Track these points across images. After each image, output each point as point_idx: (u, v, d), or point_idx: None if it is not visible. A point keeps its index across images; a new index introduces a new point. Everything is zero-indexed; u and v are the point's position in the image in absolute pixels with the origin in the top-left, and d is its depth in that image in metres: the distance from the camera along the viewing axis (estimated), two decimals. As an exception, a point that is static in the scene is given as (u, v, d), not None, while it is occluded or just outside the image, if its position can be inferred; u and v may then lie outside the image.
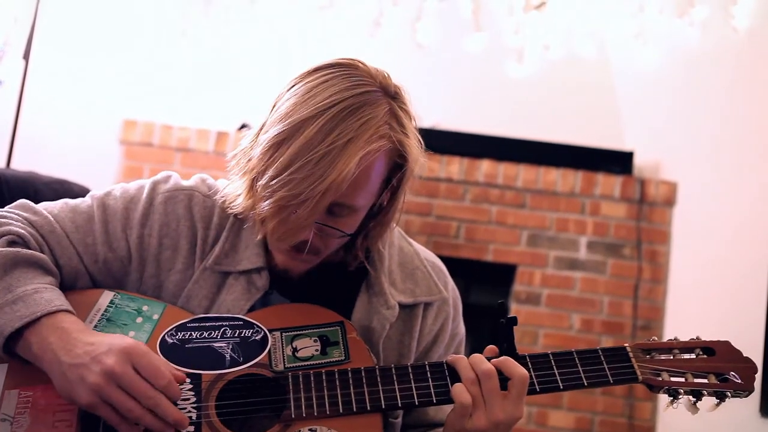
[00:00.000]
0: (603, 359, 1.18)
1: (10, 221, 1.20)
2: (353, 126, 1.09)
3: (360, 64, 1.17)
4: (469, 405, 1.11)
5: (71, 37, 3.65)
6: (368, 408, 1.13)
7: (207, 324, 1.19)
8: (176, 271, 1.24)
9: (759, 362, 2.30)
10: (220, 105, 3.68)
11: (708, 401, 1.17)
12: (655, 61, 3.53)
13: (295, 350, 1.18)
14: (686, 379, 1.17)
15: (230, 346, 1.17)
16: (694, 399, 1.17)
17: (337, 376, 1.15)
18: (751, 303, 2.53)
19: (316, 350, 1.19)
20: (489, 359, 1.14)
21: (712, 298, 2.90)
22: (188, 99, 3.70)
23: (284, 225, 1.12)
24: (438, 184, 3.45)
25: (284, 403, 1.13)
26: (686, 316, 3.20)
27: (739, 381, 1.16)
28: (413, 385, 1.16)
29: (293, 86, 1.15)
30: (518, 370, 1.12)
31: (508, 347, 1.17)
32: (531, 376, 1.15)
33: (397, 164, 1.18)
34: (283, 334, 1.20)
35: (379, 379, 1.15)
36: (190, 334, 1.18)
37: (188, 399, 1.11)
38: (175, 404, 1.07)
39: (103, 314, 1.18)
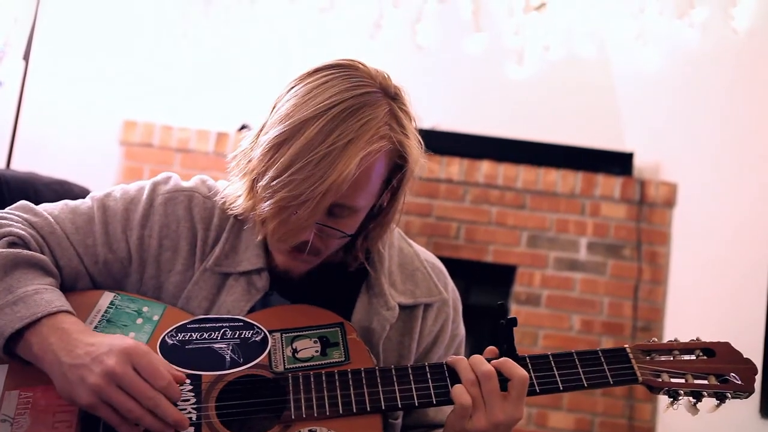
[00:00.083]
0: (603, 360, 1.18)
1: (11, 222, 1.20)
2: (353, 127, 1.09)
3: (360, 65, 1.17)
4: (469, 406, 1.11)
5: (71, 37, 3.65)
6: (368, 409, 1.13)
7: (207, 325, 1.19)
8: (176, 272, 1.24)
9: (759, 363, 2.30)
10: (220, 105, 3.68)
11: (708, 402, 1.17)
12: (655, 62, 3.53)
13: (295, 351, 1.18)
14: (686, 380, 1.17)
15: (230, 347, 1.17)
16: (694, 400, 1.17)
17: (337, 377, 1.15)
18: (751, 304, 2.53)
19: (316, 351, 1.19)
20: (489, 360, 1.14)
21: (712, 299, 2.90)
22: (188, 99, 3.70)
23: (285, 226, 1.12)
24: (438, 185, 3.45)
25: (284, 404, 1.13)
26: (686, 317, 3.20)
27: (740, 382, 1.16)
28: (413, 386, 1.16)
29: (293, 87, 1.15)
30: (518, 371, 1.12)
31: (508, 348, 1.17)
32: (531, 377, 1.15)
33: (397, 165, 1.18)
34: (283, 335, 1.20)
35: (379, 380, 1.15)
36: (191, 335, 1.18)
37: (188, 400, 1.11)
38: (175, 405, 1.07)
39: (103, 315, 1.18)
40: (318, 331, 1.21)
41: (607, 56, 3.83)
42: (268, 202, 1.10)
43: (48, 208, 1.25)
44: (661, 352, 1.20)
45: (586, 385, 1.17)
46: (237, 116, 3.54)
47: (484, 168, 3.46)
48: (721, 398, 1.16)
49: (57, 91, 3.63)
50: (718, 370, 1.18)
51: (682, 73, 3.45)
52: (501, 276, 3.47)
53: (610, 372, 1.17)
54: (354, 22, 3.77)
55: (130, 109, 3.56)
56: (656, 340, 1.23)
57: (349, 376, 1.15)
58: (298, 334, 1.20)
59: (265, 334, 1.19)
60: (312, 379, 1.15)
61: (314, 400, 1.13)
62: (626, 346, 1.21)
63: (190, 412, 1.10)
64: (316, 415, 1.12)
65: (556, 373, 1.17)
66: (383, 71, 1.19)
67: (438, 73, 3.80)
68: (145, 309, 1.21)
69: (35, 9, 3.15)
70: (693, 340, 1.23)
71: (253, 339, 1.19)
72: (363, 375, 1.16)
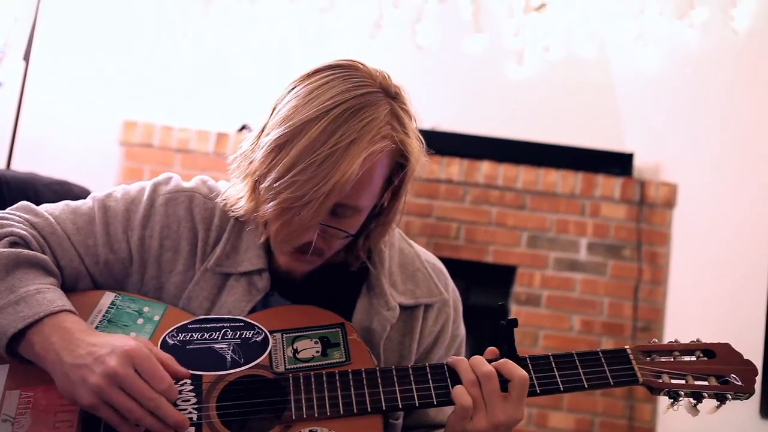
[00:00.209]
0: (603, 361, 1.18)
1: (12, 223, 1.20)
2: (356, 127, 1.09)
3: (360, 65, 1.17)
4: (470, 407, 1.11)
5: (71, 38, 3.65)
6: (369, 409, 1.13)
7: (208, 325, 1.19)
8: (177, 272, 1.24)
9: (759, 363, 2.30)
10: (220, 106, 3.68)
11: (708, 403, 1.17)
12: (655, 63, 3.54)
13: (295, 351, 1.19)
14: (687, 382, 1.17)
15: (231, 348, 1.17)
16: (695, 401, 1.17)
17: (337, 378, 1.15)
18: (751, 304, 2.53)
19: (317, 351, 1.19)
20: (489, 361, 1.14)
21: (712, 299, 2.90)
22: (188, 100, 3.70)
23: (288, 227, 1.12)
24: (438, 185, 3.45)
25: (285, 404, 1.13)
26: (686, 318, 3.20)
27: (740, 383, 1.16)
28: (414, 386, 1.16)
29: (294, 89, 1.15)
30: (518, 372, 1.12)
31: (508, 349, 1.17)
32: (531, 377, 1.15)
33: (399, 164, 1.19)
34: (284, 335, 1.20)
35: (379, 381, 1.16)
36: (191, 335, 1.18)
37: (189, 400, 1.11)
38: (176, 405, 1.07)
39: (104, 315, 1.18)
40: (319, 331, 1.21)
41: (607, 57, 3.83)
42: (270, 204, 1.10)
43: (49, 209, 1.25)
44: (662, 353, 1.21)
45: (586, 386, 1.17)
46: (237, 116, 3.54)
47: (484, 168, 3.46)
48: (722, 399, 1.16)
49: (57, 91, 3.63)
50: (718, 372, 1.18)
51: (682, 73, 3.45)
52: (501, 276, 3.47)
53: (610, 373, 1.18)
54: (354, 22, 3.77)
55: (130, 109, 3.56)
56: (656, 341, 1.23)
57: (350, 377, 1.15)
58: (299, 334, 1.20)
59: (265, 334, 1.19)
60: (313, 380, 1.15)
61: (315, 400, 1.13)
62: (627, 347, 1.21)
63: (190, 412, 1.10)
64: (316, 415, 1.12)
65: (556, 373, 1.17)
66: (383, 71, 1.19)
67: (438, 73, 3.80)
68: (146, 309, 1.21)
69: (35, 9, 3.15)
70: (693, 341, 1.23)
71: (254, 339, 1.19)
72: (364, 375, 1.16)
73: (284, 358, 1.17)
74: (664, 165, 3.55)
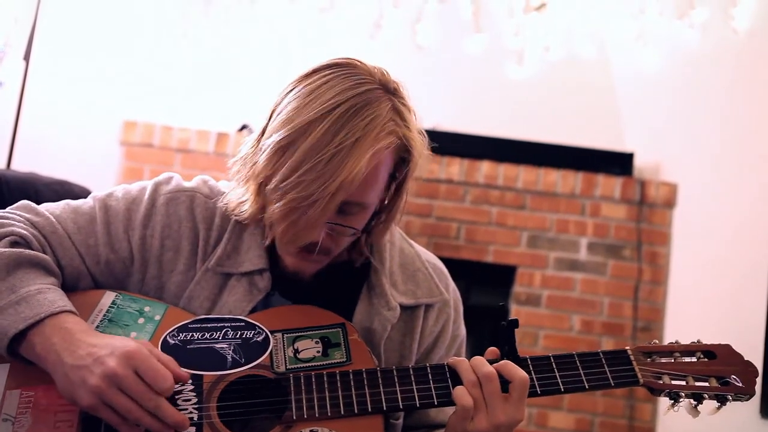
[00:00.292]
0: (604, 362, 1.19)
1: (12, 222, 1.20)
2: (359, 125, 1.10)
3: (358, 63, 1.18)
4: (471, 408, 1.11)
5: (71, 38, 3.65)
6: (369, 410, 1.13)
7: (209, 325, 1.19)
8: (178, 272, 1.24)
9: (759, 362, 2.31)
10: (220, 106, 3.68)
11: (709, 404, 1.17)
12: (656, 63, 3.54)
13: (296, 351, 1.19)
14: (687, 383, 1.17)
15: (232, 347, 1.17)
16: (695, 402, 1.16)
17: (338, 378, 1.15)
18: (751, 304, 2.53)
19: (318, 352, 1.19)
20: (490, 362, 1.14)
21: (712, 299, 2.90)
22: (188, 100, 3.70)
23: (295, 227, 1.12)
24: (438, 185, 3.45)
25: (285, 404, 1.13)
26: (686, 318, 3.20)
27: (741, 385, 1.16)
28: (414, 387, 1.16)
29: (292, 90, 1.15)
30: (519, 374, 1.12)
31: (509, 350, 1.17)
32: (532, 378, 1.15)
33: (402, 158, 1.20)
34: (285, 335, 1.20)
35: (380, 381, 1.16)
36: (192, 335, 1.18)
37: (190, 400, 1.11)
38: (177, 405, 1.07)
39: (105, 315, 1.18)
40: (319, 331, 1.21)
41: (607, 57, 3.83)
42: (277, 204, 1.11)
43: (50, 208, 1.25)
44: (663, 354, 1.20)
45: (587, 386, 1.17)
46: (237, 116, 3.54)
47: (485, 168, 3.46)
48: (722, 401, 1.16)
49: (57, 91, 3.63)
50: (719, 373, 1.17)
51: (682, 73, 3.45)
52: (501, 276, 3.47)
53: (611, 374, 1.18)
54: (354, 22, 3.77)
55: (130, 109, 3.56)
56: (657, 341, 1.23)
57: (351, 377, 1.15)
58: (300, 334, 1.20)
59: (266, 334, 1.19)
60: (313, 380, 1.15)
61: (315, 400, 1.13)
62: (627, 348, 1.21)
63: (191, 412, 1.10)
64: (317, 415, 1.12)
65: (557, 374, 1.17)
66: (381, 67, 1.20)
67: (438, 73, 3.80)
68: (146, 309, 1.21)
69: (35, 9, 3.15)
70: (694, 342, 1.23)
71: (255, 339, 1.19)
72: (364, 376, 1.16)
73: (285, 358, 1.17)
74: (665, 165, 3.55)
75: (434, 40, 3.76)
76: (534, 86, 3.80)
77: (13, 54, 3.15)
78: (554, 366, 1.18)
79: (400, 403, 1.15)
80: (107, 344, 1.05)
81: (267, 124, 1.17)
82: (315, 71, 1.16)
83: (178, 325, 1.19)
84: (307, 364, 1.17)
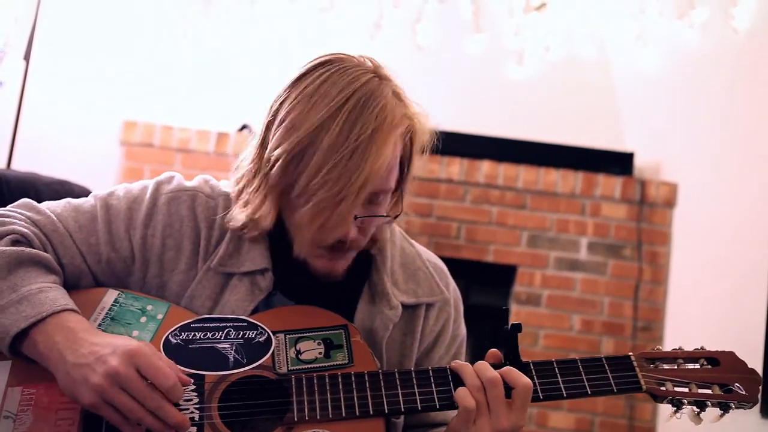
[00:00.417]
0: (607, 368, 1.18)
1: (14, 220, 1.20)
2: (371, 116, 1.11)
3: (344, 56, 1.19)
4: (473, 409, 1.11)
5: (71, 38, 3.65)
6: (371, 412, 1.13)
7: (211, 325, 1.19)
8: (179, 271, 1.24)
9: (759, 362, 2.31)
10: (220, 106, 3.68)
11: (711, 412, 1.16)
12: (656, 63, 3.54)
13: (298, 353, 1.18)
14: (690, 390, 1.16)
15: (234, 348, 1.17)
16: (698, 409, 1.16)
17: (340, 380, 1.15)
18: (751, 304, 2.53)
19: (320, 353, 1.19)
20: (493, 365, 1.14)
21: (712, 299, 2.90)
22: (188, 100, 3.70)
23: (325, 226, 1.12)
24: (438, 184, 3.45)
25: (287, 405, 1.13)
26: (687, 318, 3.20)
27: (743, 392, 1.15)
28: (416, 390, 1.16)
29: (287, 97, 1.15)
30: (522, 380, 1.12)
31: (512, 354, 1.17)
32: (535, 383, 1.15)
33: (409, 138, 1.21)
34: (287, 336, 1.20)
35: (382, 384, 1.15)
36: (194, 335, 1.18)
37: (191, 400, 1.11)
38: (178, 405, 1.07)
39: (107, 313, 1.18)
40: (322, 332, 1.21)
41: (607, 57, 3.83)
42: (305, 207, 1.11)
43: (51, 206, 1.25)
44: (665, 361, 1.20)
45: (589, 392, 1.16)
46: (237, 116, 3.54)
47: (485, 168, 3.46)
48: (725, 408, 1.15)
49: (57, 91, 3.62)
50: (722, 380, 1.16)
51: (682, 73, 3.45)
52: (501, 276, 3.47)
53: (613, 380, 1.17)
54: (354, 22, 3.76)
55: (131, 109, 3.56)
56: (660, 348, 1.22)
57: (353, 379, 1.15)
58: (302, 335, 1.20)
59: (268, 334, 1.19)
60: (315, 381, 1.15)
61: (317, 402, 1.13)
62: (630, 353, 1.20)
63: (192, 412, 1.10)
64: (318, 417, 1.12)
65: (560, 380, 1.17)
66: (365, 55, 1.21)
67: (438, 73, 3.80)
68: (149, 307, 1.21)
69: (35, 9, 3.15)
70: (698, 348, 1.22)
71: (257, 339, 1.18)
72: (366, 378, 1.16)
73: (287, 359, 1.17)
74: (665, 165, 3.55)
75: (434, 40, 3.75)
76: (534, 86, 3.80)
77: (13, 54, 3.15)
78: (557, 371, 1.17)
79: (402, 406, 1.14)
80: (109, 343, 1.05)
81: (265, 136, 1.16)
82: (306, 74, 1.16)
83: (180, 324, 1.19)
84: (309, 366, 1.17)
